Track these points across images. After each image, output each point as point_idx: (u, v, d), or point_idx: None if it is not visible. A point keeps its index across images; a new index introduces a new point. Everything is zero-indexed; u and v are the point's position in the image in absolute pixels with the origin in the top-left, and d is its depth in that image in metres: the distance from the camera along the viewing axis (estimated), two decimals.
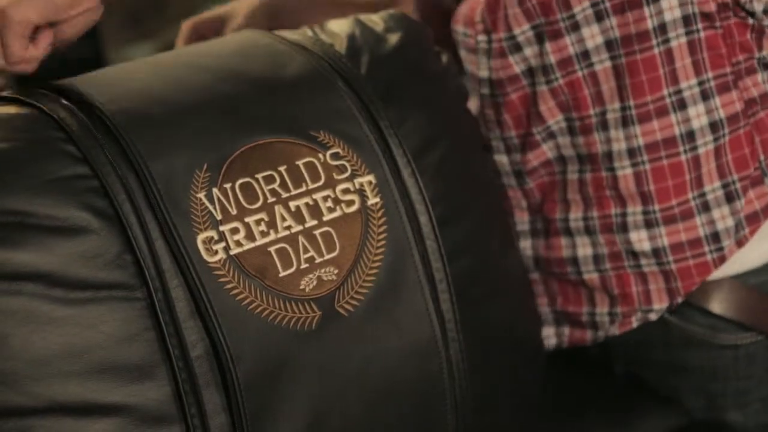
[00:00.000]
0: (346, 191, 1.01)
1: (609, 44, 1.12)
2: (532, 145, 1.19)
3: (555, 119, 1.17)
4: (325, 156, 1.01)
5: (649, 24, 1.11)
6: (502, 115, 1.20)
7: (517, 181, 1.22)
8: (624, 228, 1.16)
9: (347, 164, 1.01)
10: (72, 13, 1.01)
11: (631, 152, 1.14)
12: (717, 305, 1.17)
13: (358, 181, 1.01)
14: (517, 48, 1.16)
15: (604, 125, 1.14)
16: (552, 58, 1.14)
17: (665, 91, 1.12)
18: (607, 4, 1.11)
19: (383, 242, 1.01)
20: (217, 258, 0.94)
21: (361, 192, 1.01)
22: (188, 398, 0.93)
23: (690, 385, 1.21)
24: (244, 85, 1.02)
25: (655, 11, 1.10)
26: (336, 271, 0.98)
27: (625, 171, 1.15)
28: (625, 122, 1.13)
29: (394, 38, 1.11)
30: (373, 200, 1.01)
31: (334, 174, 1.00)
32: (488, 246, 1.11)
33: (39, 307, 0.91)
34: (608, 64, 1.13)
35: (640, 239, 1.16)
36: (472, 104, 1.22)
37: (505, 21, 1.17)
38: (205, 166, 0.96)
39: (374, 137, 1.03)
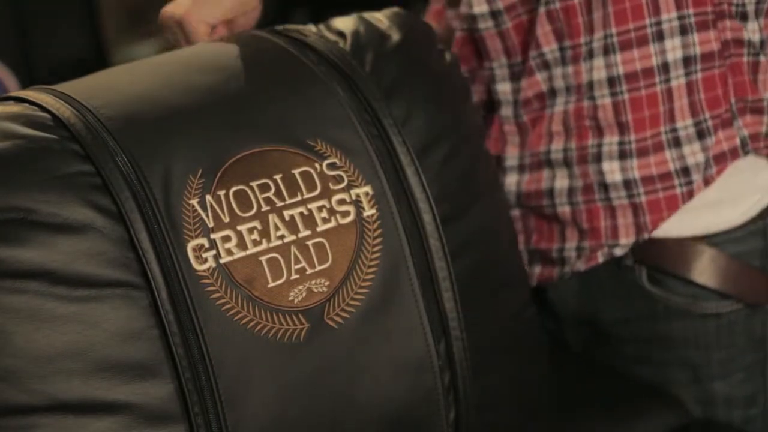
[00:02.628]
0: (341, 202, 1.00)
1: None
2: (528, 71, 1.21)
3: (550, 47, 1.19)
4: (321, 166, 1.00)
5: None
6: (509, 41, 1.21)
7: (514, 112, 1.24)
8: (598, 158, 1.18)
9: (344, 174, 1.01)
10: (244, 11, 1.15)
11: (611, 81, 1.16)
12: (698, 274, 1.19)
13: (354, 192, 1.00)
14: None
15: (590, 54, 1.17)
16: None
17: (647, 21, 1.15)
18: None
19: (377, 254, 1.00)
20: (206, 266, 0.94)
21: (357, 203, 1.00)
22: (191, 397, 0.92)
23: (675, 358, 1.22)
24: (243, 91, 1.01)
25: None
26: (327, 283, 0.98)
27: (604, 100, 1.17)
28: (607, 50, 1.15)
29: (398, 36, 1.11)
30: (369, 212, 1.01)
31: (330, 184, 1.00)
32: (491, 244, 1.11)
33: (43, 305, 0.91)
34: None
35: (612, 170, 1.18)
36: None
37: None
38: (199, 172, 0.96)
39: (373, 146, 1.03)
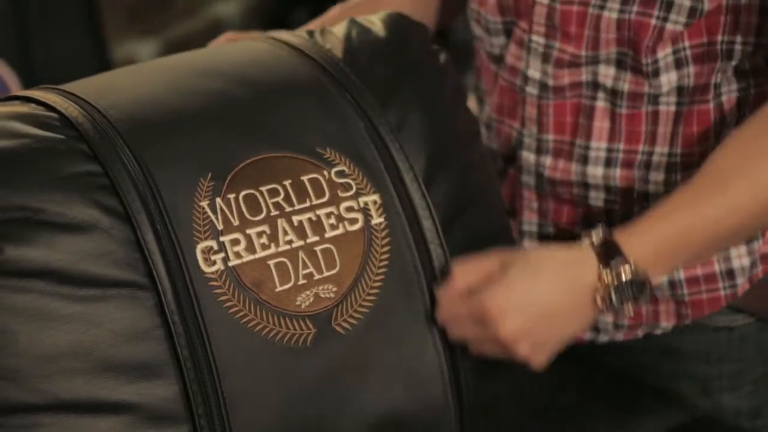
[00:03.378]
0: (349, 209, 1.00)
1: (680, 90, 1.12)
2: (558, 152, 1.19)
3: (598, 144, 1.16)
4: (330, 173, 1.00)
5: (713, 79, 1.12)
6: (545, 116, 1.18)
7: (537, 183, 1.22)
8: None
9: (352, 182, 1.01)
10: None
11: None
12: None
13: (362, 199, 1.01)
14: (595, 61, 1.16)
15: (647, 165, 1.15)
16: (626, 87, 1.14)
17: (711, 142, 1.13)
18: (688, 52, 1.11)
19: (386, 262, 1.00)
20: (214, 269, 0.94)
21: (365, 211, 1.01)
22: (195, 398, 0.92)
23: (685, 370, 1.22)
24: (252, 96, 1.02)
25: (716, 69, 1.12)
26: (335, 289, 0.98)
27: None
28: (669, 168, 1.14)
29: (391, 39, 1.11)
30: (377, 220, 1.01)
31: (338, 191, 1.00)
32: (490, 246, 1.09)
33: (48, 304, 0.91)
34: (673, 108, 1.13)
35: None
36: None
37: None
38: (209, 175, 0.96)
39: (381, 155, 1.03)
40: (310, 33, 1.11)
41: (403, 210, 1.02)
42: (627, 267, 1.01)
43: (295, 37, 1.10)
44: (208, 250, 0.94)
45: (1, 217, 0.91)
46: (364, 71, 1.07)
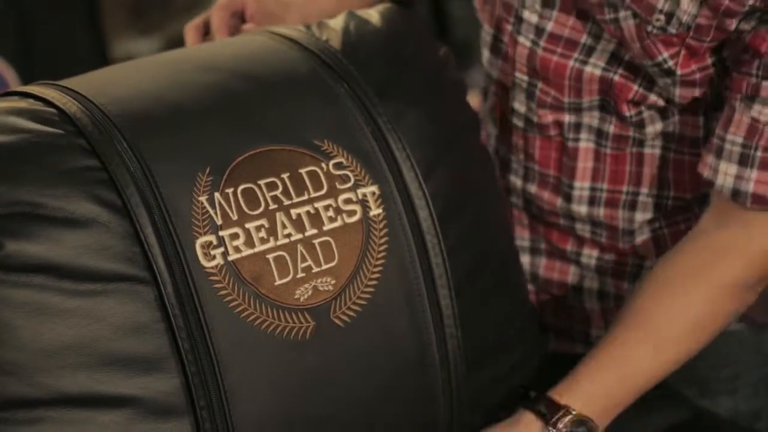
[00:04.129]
0: (348, 201, 1.00)
1: (666, 135, 1.13)
2: (543, 184, 1.19)
3: (582, 183, 1.17)
4: (328, 165, 1.00)
5: (701, 132, 1.12)
6: (533, 150, 1.19)
7: (525, 206, 1.22)
8: (637, 278, 1.18)
9: (350, 174, 1.01)
10: None
11: (652, 221, 1.16)
12: None
13: (360, 191, 1.01)
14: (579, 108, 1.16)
15: (632, 205, 1.16)
16: (611, 128, 1.14)
17: (703, 189, 1.14)
18: (675, 107, 1.11)
19: (384, 253, 1.00)
20: (214, 263, 0.94)
21: (363, 202, 1.01)
22: (197, 391, 0.93)
23: (683, 374, 1.20)
24: (250, 90, 1.02)
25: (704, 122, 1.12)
26: (333, 282, 0.98)
27: (644, 236, 1.17)
28: (657, 209, 1.15)
29: (389, 32, 1.11)
30: (375, 211, 1.01)
31: (336, 183, 1.00)
32: (488, 241, 1.11)
33: (49, 299, 0.91)
34: (658, 151, 1.13)
35: None
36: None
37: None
38: (208, 170, 0.96)
39: (379, 147, 1.03)
40: (308, 26, 1.12)
41: (401, 201, 1.02)
42: (568, 417, 1.04)
43: (293, 30, 1.10)
44: (208, 245, 0.94)
45: (1, 212, 0.91)
46: (362, 63, 1.07)
